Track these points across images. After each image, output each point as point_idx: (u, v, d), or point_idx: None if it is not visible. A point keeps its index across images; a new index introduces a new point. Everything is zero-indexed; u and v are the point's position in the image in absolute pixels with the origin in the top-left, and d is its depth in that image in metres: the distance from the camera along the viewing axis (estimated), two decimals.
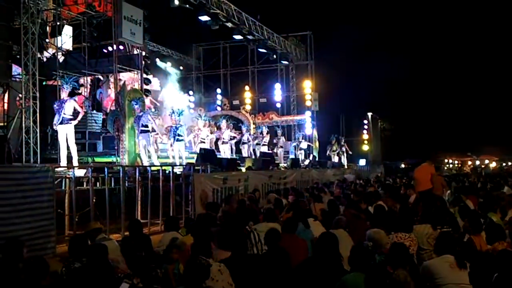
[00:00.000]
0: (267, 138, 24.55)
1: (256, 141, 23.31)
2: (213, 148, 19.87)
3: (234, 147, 22.12)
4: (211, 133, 20.91)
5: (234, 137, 21.90)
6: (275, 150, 25.26)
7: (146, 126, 14.17)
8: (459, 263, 5.00)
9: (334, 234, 5.67)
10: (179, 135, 15.76)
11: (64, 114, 12.63)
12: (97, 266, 4.91)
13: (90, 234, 6.71)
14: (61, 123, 12.66)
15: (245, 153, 22.51)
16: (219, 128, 21.77)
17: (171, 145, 16.15)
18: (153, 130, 14.91)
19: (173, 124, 16.07)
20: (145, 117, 14.18)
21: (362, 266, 4.76)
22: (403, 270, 4.83)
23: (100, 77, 19.64)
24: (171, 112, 16.69)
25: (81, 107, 13.42)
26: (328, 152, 30.27)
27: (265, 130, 24.79)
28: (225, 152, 20.73)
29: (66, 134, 12.72)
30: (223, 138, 20.99)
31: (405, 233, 6.33)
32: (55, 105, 12.80)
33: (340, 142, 31.37)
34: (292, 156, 26.06)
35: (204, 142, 19.78)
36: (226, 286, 4.88)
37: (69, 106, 12.76)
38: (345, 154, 31.71)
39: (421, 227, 6.85)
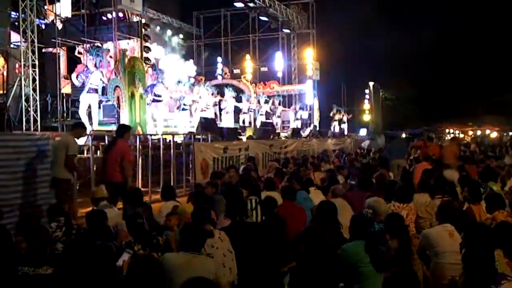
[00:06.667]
0: (265, 108, 24.58)
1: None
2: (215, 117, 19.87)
3: (234, 117, 22.11)
4: (214, 103, 20.85)
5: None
6: (273, 119, 25.28)
7: (159, 96, 14.19)
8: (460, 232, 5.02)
9: (332, 203, 5.68)
10: (184, 104, 15.77)
11: (90, 84, 12.76)
12: (97, 231, 4.94)
13: (94, 200, 6.79)
14: (87, 92, 12.78)
15: (244, 123, 22.50)
16: (222, 95, 21.67)
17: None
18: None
19: (179, 94, 16.03)
20: (159, 86, 14.18)
21: (361, 235, 4.79)
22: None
23: (99, 44, 19.47)
24: (177, 82, 16.60)
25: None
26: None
27: (262, 100, 24.79)
28: (227, 121, 20.72)
29: (89, 104, 12.81)
30: (227, 108, 20.96)
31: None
32: (80, 75, 12.68)
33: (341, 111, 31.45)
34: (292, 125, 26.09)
35: (205, 111, 19.76)
36: (226, 253, 4.93)
37: (95, 76, 12.89)
38: (346, 123, 31.79)
39: (419, 196, 6.89)
